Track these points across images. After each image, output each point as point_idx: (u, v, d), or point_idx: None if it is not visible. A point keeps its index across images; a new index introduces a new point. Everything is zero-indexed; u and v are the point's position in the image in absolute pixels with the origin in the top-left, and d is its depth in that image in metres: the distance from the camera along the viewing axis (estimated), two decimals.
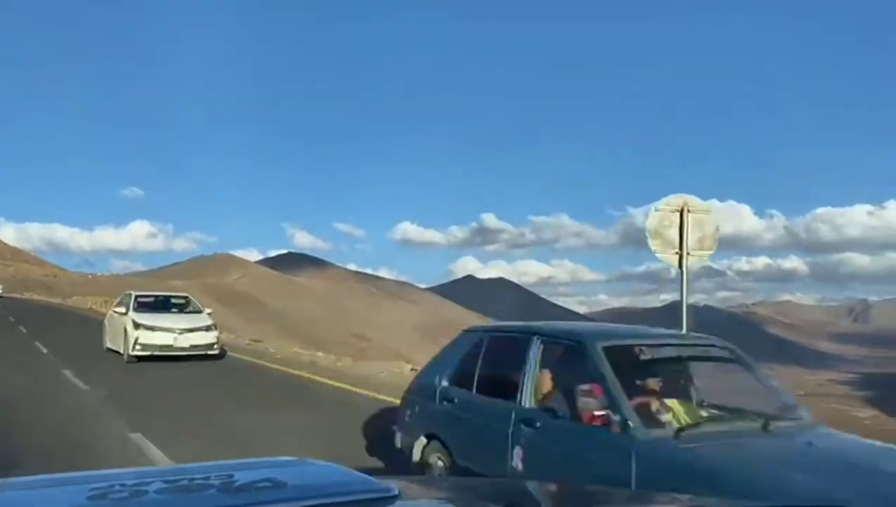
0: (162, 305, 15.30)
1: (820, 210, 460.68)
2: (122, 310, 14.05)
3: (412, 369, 14.85)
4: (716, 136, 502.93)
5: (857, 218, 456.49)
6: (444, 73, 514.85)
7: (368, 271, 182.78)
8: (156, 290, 24.40)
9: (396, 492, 1.42)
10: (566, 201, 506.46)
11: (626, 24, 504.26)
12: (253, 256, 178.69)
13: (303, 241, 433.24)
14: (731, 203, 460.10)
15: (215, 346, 13.98)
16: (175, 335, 13.35)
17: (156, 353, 13.10)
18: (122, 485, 1.38)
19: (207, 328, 14.03)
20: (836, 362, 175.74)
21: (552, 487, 2.49)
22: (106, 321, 15.63)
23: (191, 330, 13.69)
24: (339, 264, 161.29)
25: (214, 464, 1.60)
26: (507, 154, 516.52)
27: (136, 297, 14.90)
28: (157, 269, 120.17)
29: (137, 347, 13.07)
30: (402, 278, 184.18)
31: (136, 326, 13.27)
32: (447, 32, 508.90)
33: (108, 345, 14.86)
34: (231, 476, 1.46)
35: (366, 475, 1.52)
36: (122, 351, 13.52)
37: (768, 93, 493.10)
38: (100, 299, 39.47)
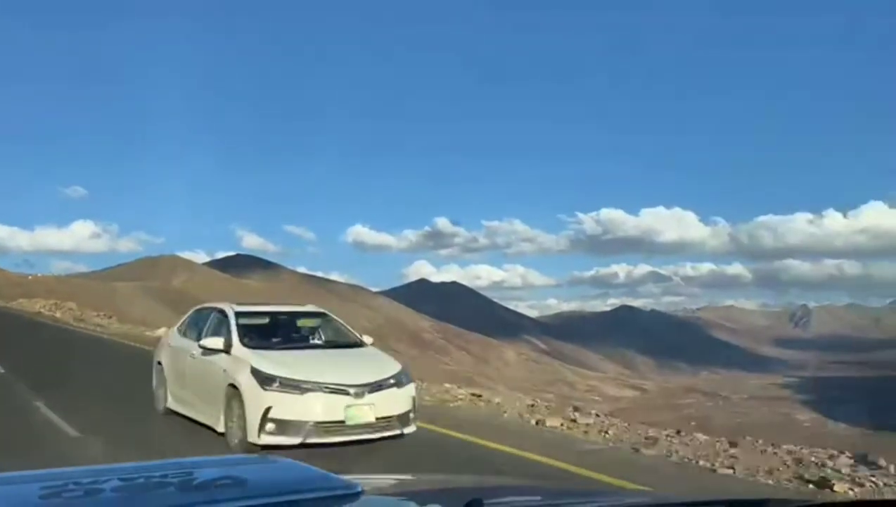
0: (289, 330, 8.54)
1: (762, 218, 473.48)
2: (214, 342, 7.46)
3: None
4: (663, 143, 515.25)
5: (797, 226, 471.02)
6: (395, 75, 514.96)
7: (320, 274, 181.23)
8: (103, 293, 22.75)
9: (360, 489, 1.38)
10: (519, 207, 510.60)
11: (582, 15, 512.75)
12: (200, 257, 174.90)
13: (252, 243, 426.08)
14: (677, 210, 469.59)
15: (412, 416, 7.30)
16: (349, 400, 6.78)
17: (311, 440, 6.63)
18: (75, 484, 1.32)
19: (397, 381, 7.28)
20: (778, 367, 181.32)
21: (519, 483, 2.51)
22: (164, 358, 8.84)
23: (372, 386, 7.00)
24: (289, 267, 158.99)
25: (173, 461, 1.54)
26: (460, 159, 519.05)
27: (239, 316, 7.93)
28: (102, 270, 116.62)
29: (270, 425, 6.60)
30: (355, 282, 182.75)
31: (264, 379, 6.78)
32: (399, 35, 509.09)
33: (176, 407, 8.32)
34: (190, 474, 1.40)
35: (329, 473, 1.48)
36: (221, 427, 7.13)
37: (715, 103, 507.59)
38: (48, 302, 37.92)
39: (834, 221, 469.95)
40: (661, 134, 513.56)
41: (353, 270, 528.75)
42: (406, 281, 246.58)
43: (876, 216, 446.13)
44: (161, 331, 21.03)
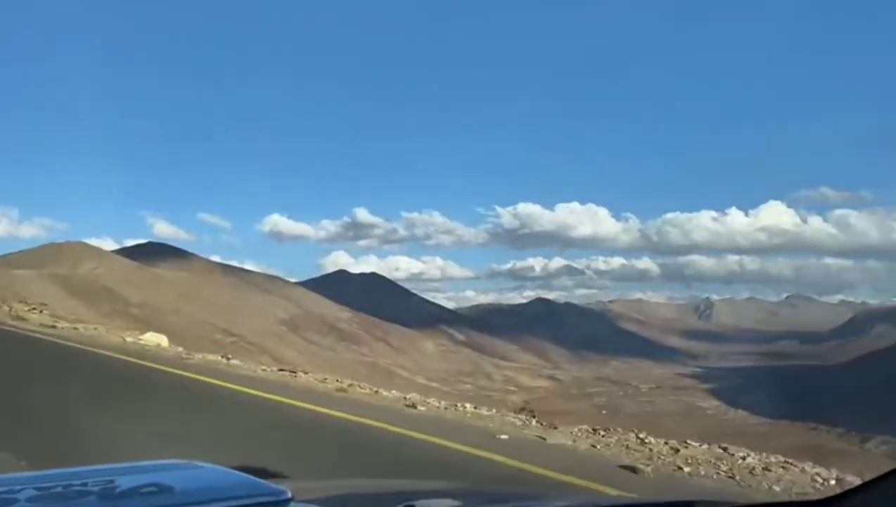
0: None
1: (670, 215, 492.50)
2: None
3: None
4: (580, 141, 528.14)
5: (702, 223, 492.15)
6: (319, 64, 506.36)
7: (234, 263, 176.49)
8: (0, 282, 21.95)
9: (289, 495, 1.34)
10: (438, 199, 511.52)
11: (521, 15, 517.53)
12: (109, 245, 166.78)
13: (164, 231, 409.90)
14: (591, 206, 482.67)
15: None
16: None
17: None
18: None
19: None
20: (683, 357, 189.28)
21: (457, 487, 2.54)
22: None
23: None
24: (203, 256, 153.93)
25: (94, 468, 1.45)
26: (380, 149, 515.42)
27: None
28: (0, 257, 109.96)
29: None
30: (271, 272, 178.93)
31: None
32: (324, 20, 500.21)
33: None
34: (112, 482, 1.33)
35: (256, 479, 1.43)
36: None
37: (629, 106, 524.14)
38: None
39: (736, 220, 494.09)
40: (577, 132, 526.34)
41: (270, 259, 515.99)
42: (324, 272, 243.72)
43: (774, 216, 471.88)
44: (151, 336, 18.93)
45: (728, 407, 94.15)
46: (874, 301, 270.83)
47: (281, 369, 14.25)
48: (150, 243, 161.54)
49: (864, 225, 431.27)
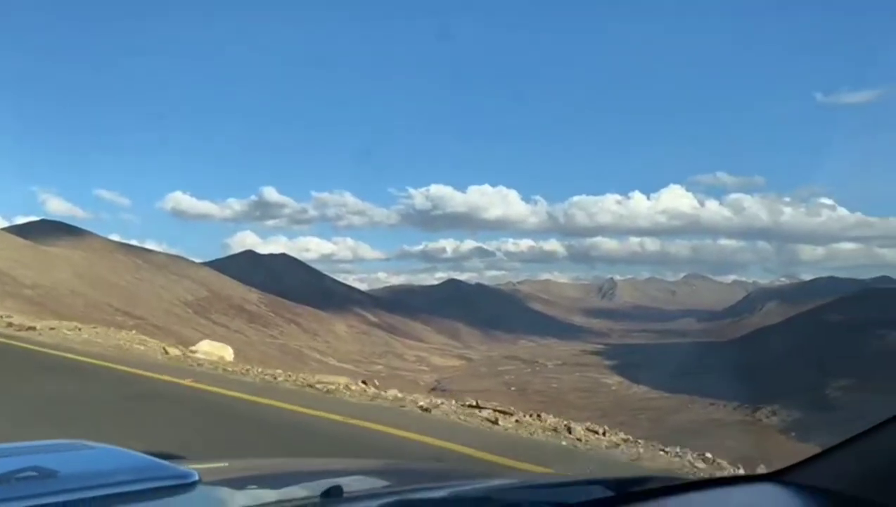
0: None
1: (577, 198, 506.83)
2: None
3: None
4: (491, 124, 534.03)
5: (607, 206, 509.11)
6: (224, 40, 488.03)
7: (134, 242, 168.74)
8: None
9: (197, 477, 1.25)
10: (349, 179, 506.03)
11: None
12: None
13: (57, 208, 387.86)
14: (502, 188, 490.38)
15: None
16: None
17: None
18: None
19: None
20: (588, 335, 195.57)
21: (378, 464, 2.38)
22: None
23: None
24: (100, 235, 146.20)
25: None
26: (289, 125, 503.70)
27: None
28: None
29: None
30: (174, 252, 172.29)
31: None
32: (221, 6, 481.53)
33: None
34: None
35: (159, 460, 1.32)
36: None
37: (541, 93, 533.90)
38: None
39: (638, 203, 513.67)
40: (487, 115, 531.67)
41: (173, 239, 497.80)
42: (230, 252, 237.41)
43: (674, 199, 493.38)
44: (206, 345, 15.49)
45: (630, 383, 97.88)
46: (764, 281, 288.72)
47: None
48: (42, 221, 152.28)
49: (757, 209, 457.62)
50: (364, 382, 10.60)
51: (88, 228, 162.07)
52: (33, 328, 15.87)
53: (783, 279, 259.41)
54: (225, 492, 1.46)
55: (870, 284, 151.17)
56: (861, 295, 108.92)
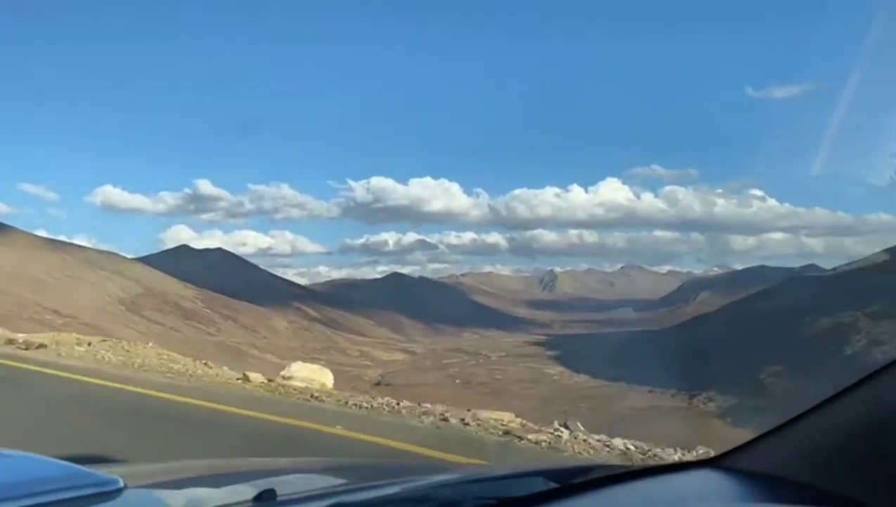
0: None
1: (517, 191, 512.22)
2: None
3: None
4: (431, 116, 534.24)
5: (547, 199, 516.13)
6: (155, 27, 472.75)
7: (63, 238, 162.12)
8: None
9: (122, 484, 1.18)
10: (287, 172, 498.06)
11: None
12: None
13: None
14: (444, 181, 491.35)
15: None
16: None
17: None
18: None
19: None
20: (530, 327, 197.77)
21: (313, 463, 2.01)
22: None
23: None
24: (25, 231, 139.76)
25: None
26: (225, 115, 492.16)
27: None
28: None
29: None
30: (106, 248, 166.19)
31: None
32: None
33: None
34: None
35: (81, 467, 1.26)
36: None
37: (479, 84, 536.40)
38: None
39: (577, 196, 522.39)
40: (427, 106, 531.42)
41: (103, 234, 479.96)
42: (164, 247, 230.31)
43: (611, 191, 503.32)
44: (300, 369, 11.55)
45: (572, 372, 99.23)
46: (698, 270, 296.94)
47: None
48: None
49: (690, 200, 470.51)
50: None
51: (12, 224, 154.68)
52: (29, 346, 12.63)
53: (716, 269, 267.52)
54: (151, 498, 1.38)
55: (798, 272, 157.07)
56: (790, 283, 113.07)
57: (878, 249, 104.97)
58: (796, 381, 56.01)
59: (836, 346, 66.97)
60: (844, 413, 1.07)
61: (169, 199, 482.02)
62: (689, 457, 6.37)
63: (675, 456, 6.38)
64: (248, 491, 1.13)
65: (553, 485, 1.13)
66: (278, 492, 1.08)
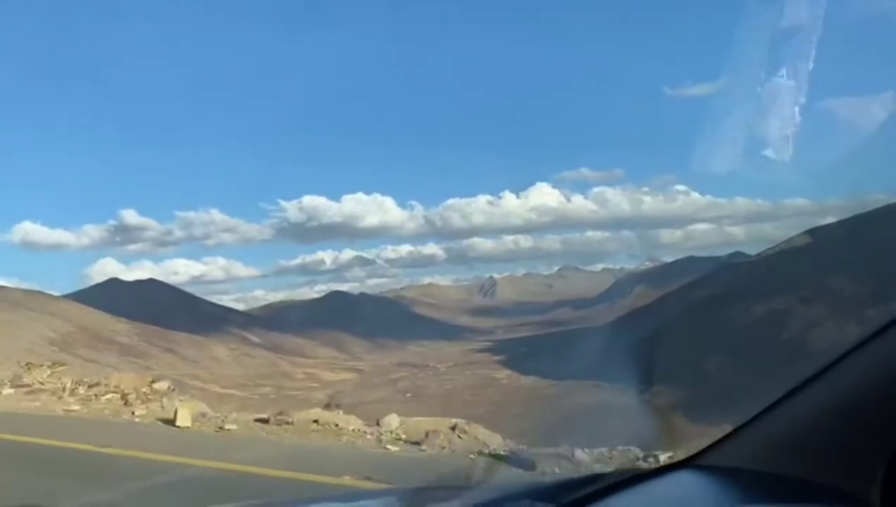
0: None
1: (451, 201, 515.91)
2: None
3: None
4: (359, 130, 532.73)
5: (480, 207, 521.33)
6: (63, 50, 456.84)
7: None
8: None
9: None
10: (215, 196, 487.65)
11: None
12: None
13: None
14: (377, 196, 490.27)
15: None
16: None
17: None
18: None
19: None
20: (474, 335, 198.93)
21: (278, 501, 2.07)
22: None
23: None
24: None
25: None
26: (145, 142, 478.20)
27: None
28: None
29: None
30: (30, 286, 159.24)
31: None
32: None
33: None
34: None
35: None
36: None
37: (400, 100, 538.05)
38: None
39: (510, 202, 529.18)
40: (356, 119, 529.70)
41: (25, 273, 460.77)
42: (92, 282, 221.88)
43: (542, 196, 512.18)
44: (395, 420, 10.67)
45: (520, 375, 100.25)
46: (630, 266, 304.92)
47: None
48: None
49: (619, 200, 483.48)
50: None
51: None
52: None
53: (647, 263, 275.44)
54: None
55: (725, 260, 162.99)
56: (719, 271, 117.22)
57: (796, 232, 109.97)
58: (740, 369, 58.21)
59: (774, 331, 69.64)
60: (812, 401, 1.08)
61: (93, 232, 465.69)
62: (661, 456, 6.79)
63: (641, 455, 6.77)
64: None
65: (541, 505, 1.13)
66: None
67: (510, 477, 5.94)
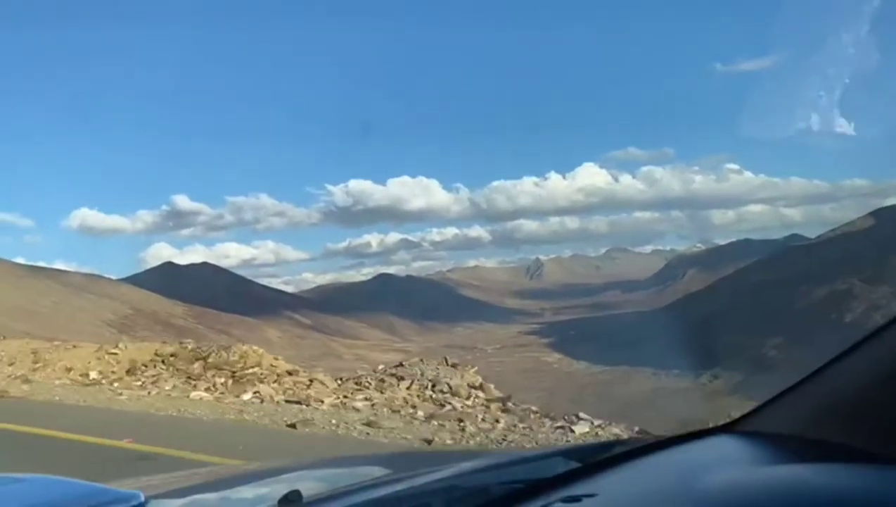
0: None
1: (496, 183, 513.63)
2: None
3: None
4: (404, 116, 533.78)
5: (526, 189, 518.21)
6: (122, 44, 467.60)
7: (42, 263, 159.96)
8: None
9: (143, 498, 1.21)
10: (264, 181, 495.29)
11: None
12: None
13: None
14: (422, 178, 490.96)
15: None
16: None
17: None
18: None
19: None
20: (521, 317, 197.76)
21: (337, 460, 1.97)
22: None
23: None
24: (5, 259, 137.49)
25: None
26: (197, 130, 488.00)
27: None
28: None
29: None
30: (89, 270, 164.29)
31: None
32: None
33: None
34: None
35: (101, 485, 1.29)
36: None
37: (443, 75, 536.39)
38: None
39: (556, 183, 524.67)
40: (402, 105, 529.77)
41: (84, 257, 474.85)
42: (147, 266, 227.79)
43: (589, 176, 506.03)
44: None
45: (571, 359, 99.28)
46: (681, 248, 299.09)
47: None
48: None
49: (668, 179, 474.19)
50: None
51: None
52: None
53: (699, 245, 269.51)
54: None
55: (783, 243, 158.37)
56: (778, 255, 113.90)
57: (857, 215, 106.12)
58: (800, 352, 56.32)
59: (836, 314, 67.40)
60: (854, 368, 1.08)
61: (147, 217, 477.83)
62: None
63: None
64: (272, 494, 1.13)
65: (575, 464, 1.14)
66: (303, 492, 1.09)
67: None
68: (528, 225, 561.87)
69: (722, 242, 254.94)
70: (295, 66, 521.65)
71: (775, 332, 70.14)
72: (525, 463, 1.24)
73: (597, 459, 1.17)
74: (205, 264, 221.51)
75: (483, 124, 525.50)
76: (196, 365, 13.89)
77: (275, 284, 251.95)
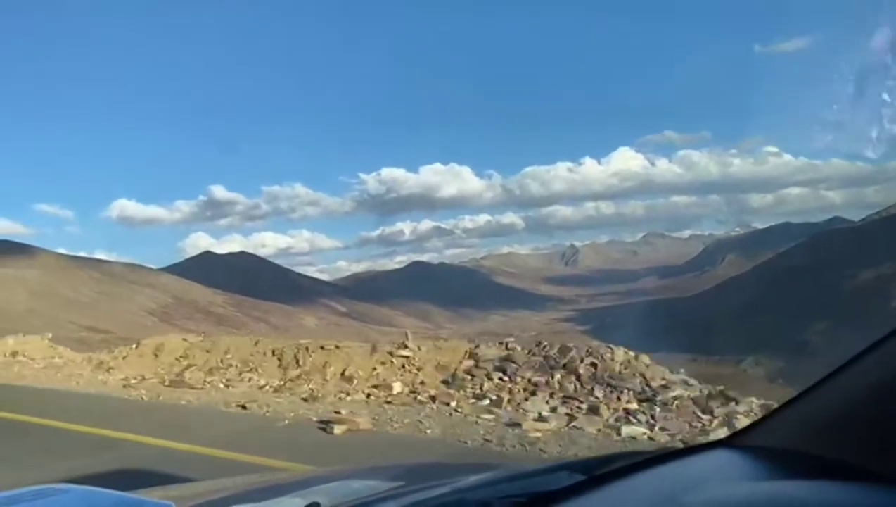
0: None
1: (529, 169, 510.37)
2: None
3: None
4: (435, 104, 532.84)
5: (560, 174, 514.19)
6: (157, 37, 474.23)
7: (83, 254, 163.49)
8: None
9: None
10: (299, 171, 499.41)
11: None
12: None
13: None
14: (454, 166, 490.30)
15: None
16: None
17: None
18: None
19: None
20: (556, 303, 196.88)
21: (360, 471, 1.98)
22: None
23: None
24: (48, 250, 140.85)
25: None
26: (232, 121, 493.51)
27: None
28: None
29: None
30: (130, 260, 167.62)
31: None
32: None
33: None
34: None
35: (135, 496, 1.32)
36: None
37: (476, 68, 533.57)
38: None
39: (590, 168, 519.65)
40: (434, 93, 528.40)
41: (124, 247, 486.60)
42: (186, 255, 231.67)
43: (624, 161, 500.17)
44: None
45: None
46: (719, 232, 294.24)
47: None
48: None
49: (706, 163, 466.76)
50: None
51: (34, 244, 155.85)
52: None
53: (738, 230, 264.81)
54: None
55: (824, 226, 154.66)
56: (819, 238, 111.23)
57: None
58: (844, 337, 54.97)
59: (882, 298, 65.55)
60: (853, 383, 1.08)
61: (185, 207, 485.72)
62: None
63: None
64: (294, 504, 1.18)
65: (578, 478, 1.15)
66: (322, 503, 1.10)
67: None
68: (563, 211, 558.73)
69: (761, 225, 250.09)
70: (328, 58, 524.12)
71: (818, 317, 68.55)
72: (528, 478, 1.25)
73: (598, 472, 1.19)
74: (242, 253, 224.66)
75: (515, 110, 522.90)
76: None
77: (310, 272, 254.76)
